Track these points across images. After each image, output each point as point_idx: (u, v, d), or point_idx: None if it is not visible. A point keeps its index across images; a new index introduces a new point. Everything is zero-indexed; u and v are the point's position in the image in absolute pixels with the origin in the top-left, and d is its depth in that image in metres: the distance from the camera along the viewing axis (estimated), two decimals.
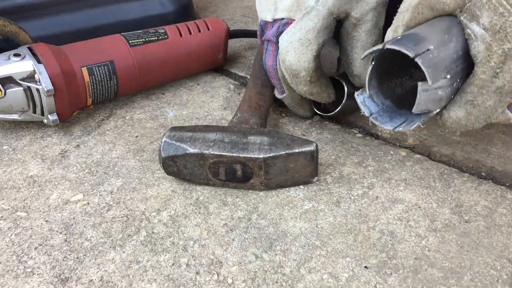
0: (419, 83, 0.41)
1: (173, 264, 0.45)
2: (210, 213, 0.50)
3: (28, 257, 0.46)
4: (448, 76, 0.42)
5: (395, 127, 0.45)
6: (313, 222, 0.49)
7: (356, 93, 0.47)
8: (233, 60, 0.80)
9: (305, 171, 0.51)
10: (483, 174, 0.56)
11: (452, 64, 0.43)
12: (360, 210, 0.51)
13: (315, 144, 0.50)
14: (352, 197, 0.52)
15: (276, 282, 0.43)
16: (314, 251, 0.46)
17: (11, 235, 0.48)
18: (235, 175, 0.51)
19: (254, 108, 0.58)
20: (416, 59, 0.40)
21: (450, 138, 0.59)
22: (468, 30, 0.43)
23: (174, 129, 0.52)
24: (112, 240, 0.47)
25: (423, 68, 0.40)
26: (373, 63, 0.45)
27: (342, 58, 0.60)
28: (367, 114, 0.47)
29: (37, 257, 0.46)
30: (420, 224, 0.49)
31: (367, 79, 0.46)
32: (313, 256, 0.46)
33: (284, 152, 0.49)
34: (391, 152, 0.59)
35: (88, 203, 0.52)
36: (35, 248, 0.46)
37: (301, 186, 0.53)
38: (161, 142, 0.51)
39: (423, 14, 0.47)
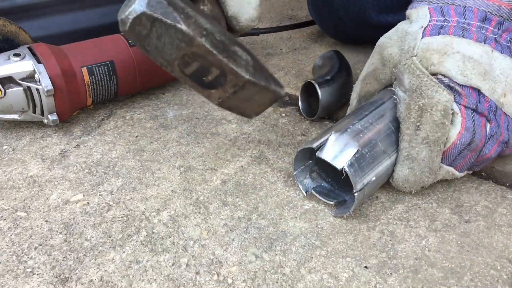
0: (355, 194, 0.46)
1: (173, 264, 0.45)
2: (210, 213, 0.50)
3: (28, 257, 0.45)
4: (374, 178, 0.48)
5: (349, 211, 0.49)
6: (313, 222, 0.49)
7: (294, 172, 0.52)
8: None
9: (259, 108, 0.47)
10: (483, 174, 0.55)
11: (376, 161, 0.48)
12: (360, 210, 0.51)
13: (284, 90, 0.46)
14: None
15: (276, 282, 0.43)
16: (314, 251, 0.46)
17: (11, 235, 0.48)
18: (203, 77, 0.43)
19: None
20: (345, 168, 0.46)
21: None
22: (394, 96, 0.50)
23: None
24: (112, 240, 0.47)
25: (351, 178, 0.46)
26: (293, 157, 0.51)
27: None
28: (303, 191, 0.52)
29: (37, 257, 0.46)
30: (420, 224, 0.49)
31: (293, 166, 0.51)
32: (313, 256, 0.46)
33: (264, 84, 0.44)
34: None
35: (88, 203, 0.52)
36: (35, 248, 0.46)
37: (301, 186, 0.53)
38: None
39: (371, 83, 0.54)
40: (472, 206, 0.51)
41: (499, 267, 0.45)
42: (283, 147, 0.59)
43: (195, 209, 0.51)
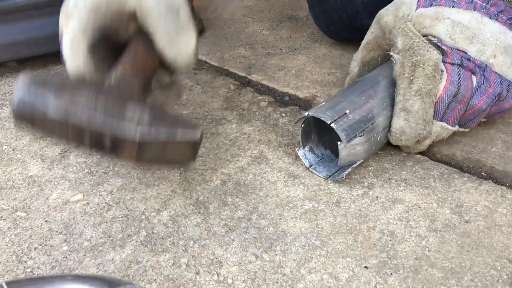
0: (339, 143, 0.51)
1: (173, 264, 0.45)
2: (210, 213, 0.50)
3: (28, 257, 0.45)
4: (362, 135, 0.52)
5: (330, 176, 0.54)
6: (313, 222, 0.49)
7: (296, 148, 0.57)
8: (233, 60, 0.80)
9: (183, 157, 0.44)
10: (483, 174, 0.55)
11: (367, 123, 0.53)
12: (360, 210, 0.51)
13: (200, 131, 0.43)
14: (352, 197, 0.52)
15: (276, 282, 0.43)
16: (314, 251, 0.46)
17: (11, 235, 0.48)
18: (102, 145, 0.42)
19: (139, 70, 0.47)
20: (332, 125, 0.51)
21: (451, 138, 0.59)
22: (391, 59, 0.56)
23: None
24: (112, 240, 0.47)
25: (338, 132, 0.50)
26: (302, 125, 0.54)
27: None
28: (307, 165, 0.56)
29: (37, 257, 0.46)
30: (420, 224, 0.49)
31: (299, 138, 0.55)
32: (313, 256, 0.46)
33: (164, 139, 0.41)
34: (392, 152, 0.59)
35: (88, 203, 0.52)
36: (35, 248, 0.46)
37: (301, 186, 0.53)
38: (21, 83, 0.40)
39: (374, 50, 0.60)
40: (472, 206, 0.51)
41: (499, 267, 0.44)
42: (283, 147, 0.59)
43: (195, 209, 0.51)
